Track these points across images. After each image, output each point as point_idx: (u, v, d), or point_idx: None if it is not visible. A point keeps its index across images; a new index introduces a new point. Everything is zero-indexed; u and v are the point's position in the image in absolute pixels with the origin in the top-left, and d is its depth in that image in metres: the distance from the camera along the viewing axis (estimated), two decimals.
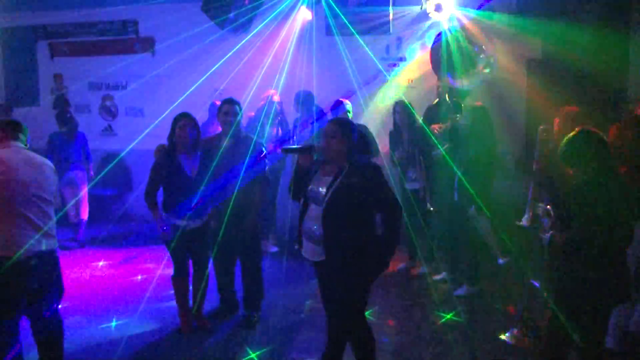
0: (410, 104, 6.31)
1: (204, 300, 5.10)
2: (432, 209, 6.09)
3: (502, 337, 4.75)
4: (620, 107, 6.55)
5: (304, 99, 6.95)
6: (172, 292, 5.01)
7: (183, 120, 4.76)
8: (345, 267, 3.61)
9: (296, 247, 3.94)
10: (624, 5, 7.28)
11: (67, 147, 7.60)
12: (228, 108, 5.01)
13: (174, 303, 5.04)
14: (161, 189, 4.85)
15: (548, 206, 4.13)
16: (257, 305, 5.24)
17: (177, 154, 4.75)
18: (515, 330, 4.73)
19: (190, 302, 5.04)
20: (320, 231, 3.61)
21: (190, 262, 5.03)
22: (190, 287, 5.05)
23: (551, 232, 3.74)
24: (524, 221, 4.67)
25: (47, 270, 3.75)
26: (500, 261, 6.15)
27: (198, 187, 4.75)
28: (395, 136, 6.42)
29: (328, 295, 3.85)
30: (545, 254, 4.21)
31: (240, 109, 5.09)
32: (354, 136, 3.70)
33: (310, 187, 3.73)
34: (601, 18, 7.07)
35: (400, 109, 6.30)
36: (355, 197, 3.56)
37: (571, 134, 3.59)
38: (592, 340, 3.56)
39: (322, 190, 3.63)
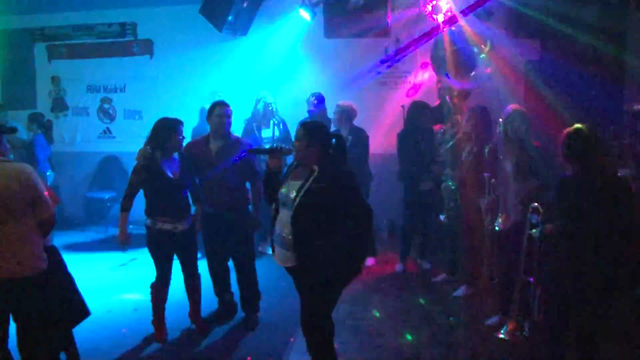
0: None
1: (200, 303, 5.09)
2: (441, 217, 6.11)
3: (499, 334, 4.75)
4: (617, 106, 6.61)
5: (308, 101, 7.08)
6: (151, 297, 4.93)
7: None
8: (315, 273, 3.60)
9: (269, 252, 3.95)
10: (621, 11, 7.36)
11: (48, 149, 7.94)
12: (221, 110, 4.98)
13: (174, 306, 5.03)
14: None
15: (535, 203, 4.30)
16: (255, 306, 5.23)
17: (158, 158, 4.70)
18: (509, 326, 4.73)
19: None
20: (290, 237, 3.60)
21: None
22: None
23: (541, 225, 3.96)
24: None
25: (20, 299, 3.43)
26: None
27: (180, 189, 4.75)
28: (406, 137, 6.40)
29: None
30: (541, 247, 4.30)
31: (231, 112, 5.08)
32: (324, 140, 3.68)
33: (281, 190, 3.72)
34: (598, 20, 7.14)
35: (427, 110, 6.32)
36: (323, 202, 3.53)
37: (567, 130, 3.74)
38: (590, 330, 3.67)
39: (292, 194, 3.61)
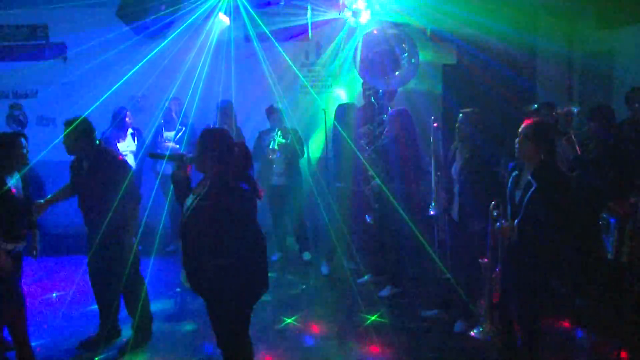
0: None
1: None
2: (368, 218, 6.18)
3: (472, 333, 4.78)
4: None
5: (219, 107, 7.17)
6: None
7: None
8: (206, 296, 3.52)
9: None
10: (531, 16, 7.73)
11: None
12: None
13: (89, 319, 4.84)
14: None
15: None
16: (145, 333, 4.92)
17: (4, 174, 4.47)
18: (482, 327, 4.71)
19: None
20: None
21: None
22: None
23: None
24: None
25: None
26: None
27: (23, 208, 4.54)
28: (338, 138, 6.40)
29: None
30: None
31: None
32: (221, 150, 3.43)
33: (187, 201, 3.52)
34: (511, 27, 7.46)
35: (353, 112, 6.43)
36: (208, 221, 3.35)
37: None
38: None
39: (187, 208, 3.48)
